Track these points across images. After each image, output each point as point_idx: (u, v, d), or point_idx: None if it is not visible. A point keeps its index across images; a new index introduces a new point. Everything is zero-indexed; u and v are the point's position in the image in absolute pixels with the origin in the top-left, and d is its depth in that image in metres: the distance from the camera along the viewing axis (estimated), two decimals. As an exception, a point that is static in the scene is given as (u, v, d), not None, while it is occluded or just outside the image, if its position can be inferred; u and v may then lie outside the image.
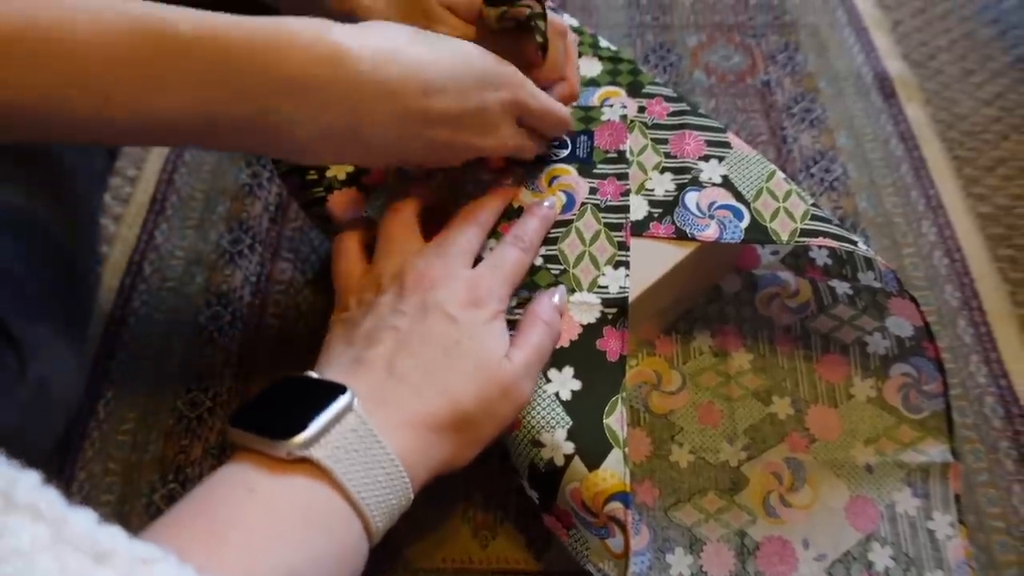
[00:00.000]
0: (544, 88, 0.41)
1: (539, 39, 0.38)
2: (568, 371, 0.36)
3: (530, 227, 0.39)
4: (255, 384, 0.49)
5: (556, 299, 0.37)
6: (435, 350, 0.32)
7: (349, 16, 0.41)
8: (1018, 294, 0.52)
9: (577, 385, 0.36)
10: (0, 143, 0.30)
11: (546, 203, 0.41)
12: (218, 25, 0.29)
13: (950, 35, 0.68)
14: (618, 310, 0.38)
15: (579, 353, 0.37)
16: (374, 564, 0.43)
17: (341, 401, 0.28)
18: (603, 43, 0.49)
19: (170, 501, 0.45)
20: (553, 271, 0.39)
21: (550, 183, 0.42)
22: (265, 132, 0.30)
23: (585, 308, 0.38)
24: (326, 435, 0.27)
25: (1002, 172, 0.58)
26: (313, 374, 0.32)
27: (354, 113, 0.31)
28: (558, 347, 0.37)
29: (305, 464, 0.27)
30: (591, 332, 0.37)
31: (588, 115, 0.45)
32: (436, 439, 0.31)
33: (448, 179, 0.42)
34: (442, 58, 0.33)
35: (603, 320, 0.38)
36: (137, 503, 0.45)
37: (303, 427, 0.27)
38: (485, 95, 0.34)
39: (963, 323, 0.50)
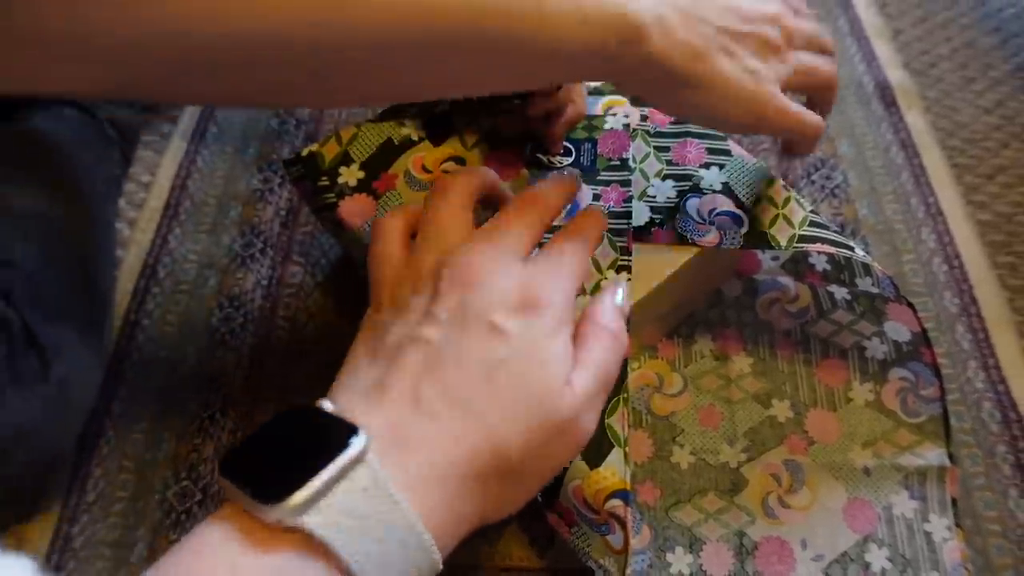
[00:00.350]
0: (554, 111, 0.43)
1: None
2: None
3: (589, 222, 0.33)
4: (265, 384, 0.51)
5: (619, 299, 0.31)
6: (474, 372, 0.26)
7: None
8: (1017, 300, 0.52)
9: None
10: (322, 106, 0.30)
11: (605, 207, 0.41)
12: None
13: (951, 44, 0.69)
14: None
15: None
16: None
17: (350, 450, 0.23)
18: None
19: (182, 498, 0.46)
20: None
21: (554, 190, 0.43)
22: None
23: None
24: (328, 495, 0.22)
25: (1002, 180, 0.59)
26: (326, 404, 0.26)
27: None
28: None
29: (300, 534, 0.22)
30: None
31: (592, 124, 0.46)
32: (471, 490, 0.25)
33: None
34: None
35: None
36: (151, 500, 0.46)
37: (300, 483, 0.22)
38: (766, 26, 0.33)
39: (962, 329, 0.51)
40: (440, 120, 0.46)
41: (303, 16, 0.24)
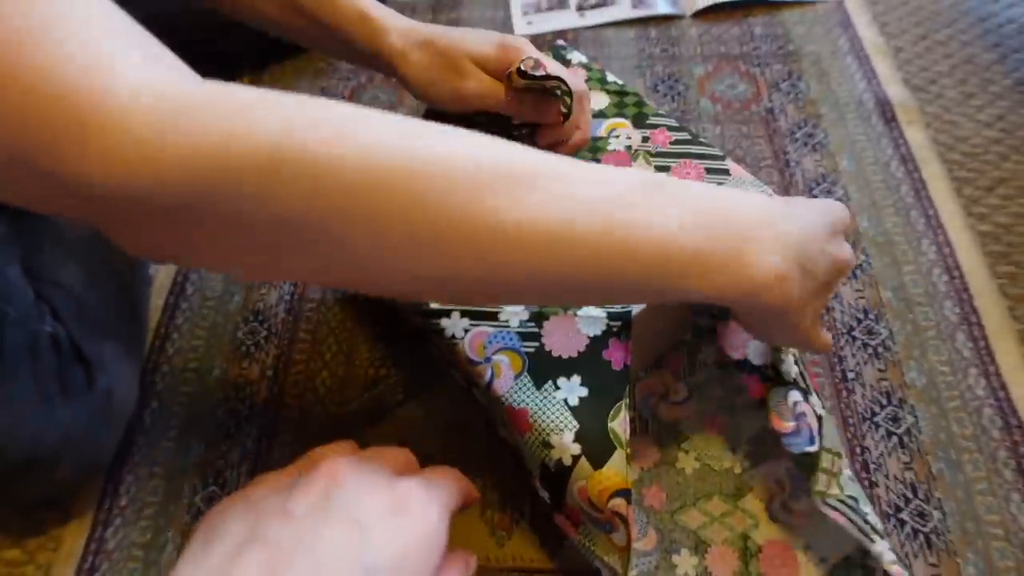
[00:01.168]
0: (562, 140, 0.46)
1: (564, 110, 0.43)
2: (576, 379, 0.39)
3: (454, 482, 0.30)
4: (288, 393, 0.53)
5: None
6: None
7: (379, 59, 0.45)
8: (1017, 309, 0.53)
9: (584, 392, 0.39)
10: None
11: None
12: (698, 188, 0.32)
13: (951, 60, 0.71)
14: (622, 324, 0.41)
15: (586, 362, 0.40)
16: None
17: None
18: (610, 78, 0.53)
19: (210, 503, 0.49)
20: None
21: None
22: (737, 263, 0.31)
23: (592, 321, 0.41)
24: None
25: (1002, 192, 0.60)
26: None
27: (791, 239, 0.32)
28: (567, 357, 0.40)
29: None
30: (597, 343, 0.40)
31: (596, 145, 0.48)
32: None
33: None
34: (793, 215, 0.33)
35: (608, 332, 0.41)
36: (180, 504, 0.49)
37: None
38: (835, 246, 0.34)
39: (962, 337, 0.52)
40: None
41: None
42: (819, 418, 0.43)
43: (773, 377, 0.44)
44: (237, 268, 0.28)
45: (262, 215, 0.24)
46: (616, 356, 0.40)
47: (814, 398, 0.44)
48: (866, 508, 0.40)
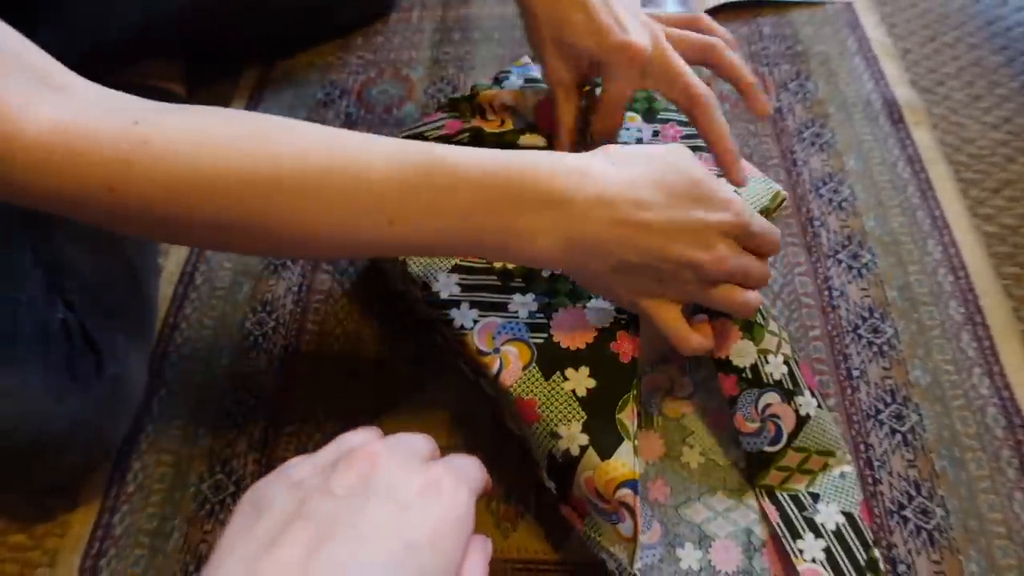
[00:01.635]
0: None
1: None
2: (584, 370, 0.39)
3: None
4: (296, 384, 0.53)
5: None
6: (376, 549, 0.23)
7: None
8: (1022, 310, 0.54)
9: (592, 383, 0.39)
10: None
11: None
12: (482, 159, 0.32)
13: (959, 62, 0.71)
14: (630, 317, 0.41)
15: (594, 354, 0.40)
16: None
17: None
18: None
19: (216, 491, 0.49)
20: (570, 280, 0.43)
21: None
22: (515, 245, 0.33)
23: (601, 314, 0.41)
24: None
25: (1008, 193, 0.61)
26: None
27: (578, 224, 0.33)
28: (575, 348, 0.40)
29: None
30: (605, 336, 0.40)
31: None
32: None
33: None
34: (657, 176, 0.34)
35: (616, 325, 0.41)
36: (186, 492, 0.49)
37: None
38: (699, 212, 0.34)
39: (967, 337, 0.52)
40: (460, 143, 0.49)
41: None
42: (804, 418, 0.44)
43: (750, 379, 0.44)
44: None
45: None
46: (624, 349, 0.40)
47: (804, 398, 0.44)
48: (824, 506, 0.42)
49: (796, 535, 0.41)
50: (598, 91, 0.45)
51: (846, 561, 0.40)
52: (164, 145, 0.30)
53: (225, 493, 0.49)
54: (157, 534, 0.48)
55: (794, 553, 0.40)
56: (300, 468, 0.26)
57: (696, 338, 0.37)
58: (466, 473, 0.27)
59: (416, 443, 0.29)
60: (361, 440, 0.28)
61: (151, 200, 0.30)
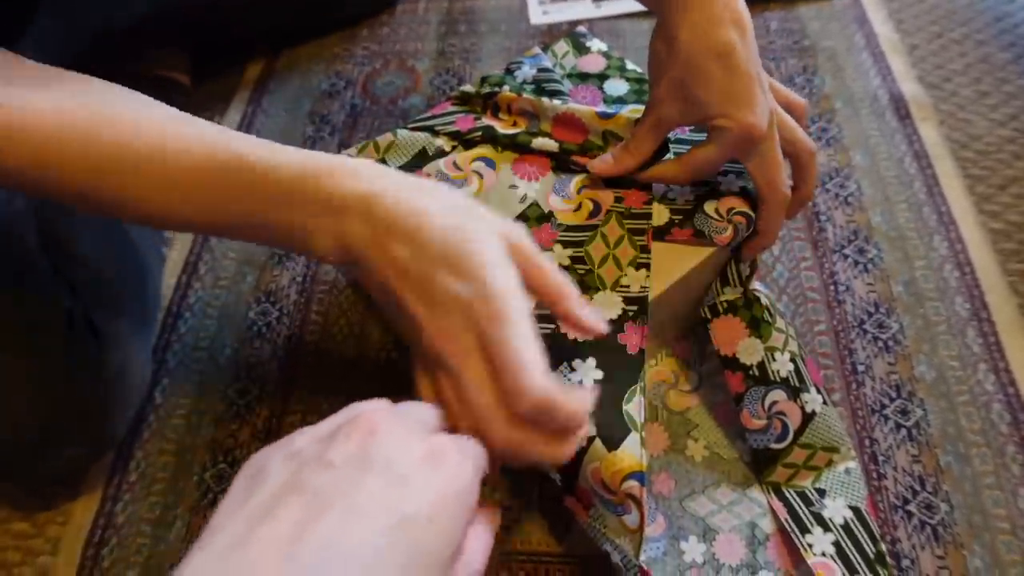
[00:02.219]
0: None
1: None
2: (591, 361, 0.39)
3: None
4: (299, 374, 0.53)
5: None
6: (370, 526, 0.22)
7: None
8: (1028, 307, 0.53)
9: (599, 374, 0.39)
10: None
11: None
12: (280, 159, 0.32)
13: (966, 59, 0.71)
14: (638, 308, 0.41)
15: (602, 346, 0.40)
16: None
17: None
18: (630, 65, 0.53)
19: (219, 480, 0.49)
20: (579, 270, 0.43)
21: (579, 191, 0.46)
22: (298, 242, 0.33)
23: (608, 305, 0.41)
24: None
25: (1015, 190, 0.60)
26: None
27: (342, 240, 0.31)
28: (582, 339, 0.40)
29: None
30: (613, 327, 0.40)
31: (614, 130, 0.48)
32: None
33: (484, 187, 0.46)
34: (432, 209, 0.30)
35: (624, 316, 0.41)
36: (189, 481, 0.49)
37: None
38: (446, 277, 0.29)
39: (972, 333, 0.52)
40: (472, 141, 0.49)
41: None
42: (810, 414, 0.44)
43: (757, 376, 0.44)
44: None
45: None
46: (632, 340, 0.40)
47: (810, 395, 0.44)
48: (831, 501, 0.42)
49: (804, 530, 0.41)
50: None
51: (855, 554, 0.40)
52: (15, 121, 0.31)
53: (228, 483, 0.48)
54: (159, 523, 0.47)
55: (803, 547, 0.40)
56: (300, 437, 0.25)
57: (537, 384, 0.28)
58: (471, 447, 0.26)
59: (423, 413, 0.27)
60: (369, 408, 0.26)
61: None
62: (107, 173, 0.33)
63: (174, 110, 0.35)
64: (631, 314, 0.41)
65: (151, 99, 0.35)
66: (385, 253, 0.30)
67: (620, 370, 0.39)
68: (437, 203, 0.31)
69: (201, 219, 0.34)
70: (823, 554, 0.40)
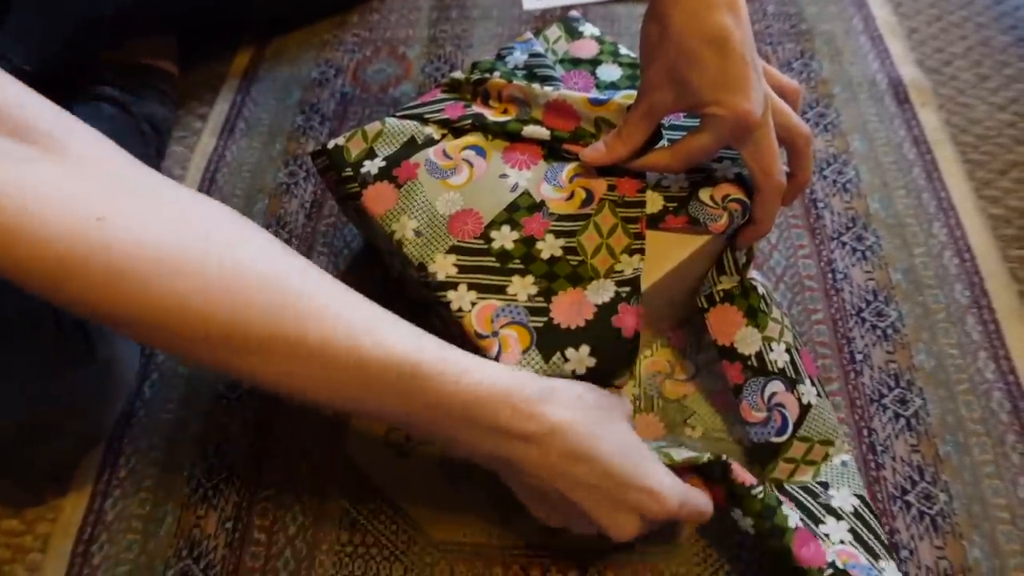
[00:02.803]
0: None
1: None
2: (584, 349, 0.38)
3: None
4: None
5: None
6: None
7: None
8: (1028, 293, 0.53)
9: (592, 362, 0.38)
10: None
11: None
12: (461, 383, 0.33)
13: (966, 42, 0.69)
14: (631, 288, 0.40)
15: (595, 331, 0.39)
16: (395, 535, 0.46)
17: None
18: (623, 51, 0.52)
19: (209, 475, 0.48)
20: (572, 262, 0.42)
21: (571, 179, 0.45)
22: (448, 441, 0.35)
23: (601, 290, 0.40)
24: None
25: (1015, 175, 0.60)
26: None
27: (506, 455, 0.34)
28: (575, 327, 0.39)
29: None
30: (606, 310, 0.39)
31: (607, 117, 0.47)
32: None
33: (474, 177, 0.45)
34: (604, 444, 0.34)
35: (617, 298, 0.40)
36: (179, 477, 0.48)
37: None
38: (621, 492, 0.34)
39: (972, 320, 0.52)
40: (462, 129, 0.48)
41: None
42: (806, 406, 0.43)
43: (755, 367, 0.44)
44: None
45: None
46: (627, 322, 0.39)
47: (805, 386, 0.44)
48: (836, 491, 0.41)
49: (818, 521, 0.40)
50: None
51: (872, 538, 0.40)
52: (128, 260, 0.29)
53: (218, 478, 0.48)
54: (150, 519, 0.47)
55: (821, 538, 0.39)
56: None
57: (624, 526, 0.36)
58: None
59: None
60: None
61: (103, 314, 0.30)
62: (250, 352, 0.31)
63: (328, 277, 0.34)
64: (624, 295, 0.40)
65: (289, 251, 0.34)
66: (555, 471, 0.34)
67: (614, 355, 0.38)
68: (607, 432, 0.35)
69: (352, 408, 0.34)
70: (842, 542, 0.39)
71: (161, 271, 0.30)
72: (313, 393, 0.33)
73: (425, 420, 0.33)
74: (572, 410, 0.34)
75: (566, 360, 0.38)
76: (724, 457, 0.38)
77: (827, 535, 0.40)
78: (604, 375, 0.38)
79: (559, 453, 0.33)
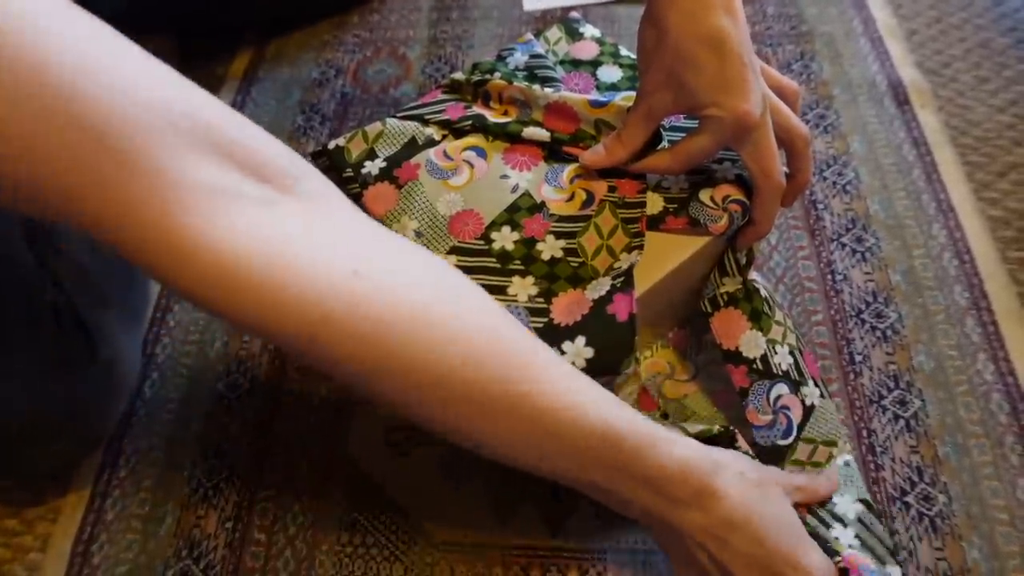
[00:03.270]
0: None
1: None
2: (580, 340, 0.38)
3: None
4: (290, 368, 0.53)
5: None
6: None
7: None
8: (1027, 295, 0.53)
9: (589, 352, 0.38)
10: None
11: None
12: (656, 455, 0.34)
13: (965, 44, 0.70)
14: (625, 278, 0.40)
15: (590, 323, 0.39)
16: (396, 535, 0.46)
17: None
18: (623, 51, 0.52)
19: (210, 475, 0.48)
20: (572, 263, 0.42)
21: (571, 181, 0.45)
22: (617, 503, 0.36)
23: (598, 288, 0.40)
24: None
25: (1014, 177, 0.60)
26: None
27: (672, 520, 0.35)
28: (572, 323, 0.39)
29: None
30: (601, 302, 0.39)
31: (608, 118, 0.48)
32: None
33: (475, 177, 0.45)
34: (763, 517, 0.35)
35: (612, 290, 0.40)
36: (179, 477, 0.48)
37: None
38: (776, 565, 0.35)
39: (971, 322, 0.52)
40: (462, 131, 0.48)
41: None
42: (809, 408, 0.43)
43: (760, 370, 0.44)
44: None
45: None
46: (620, 308, 0.39)
47: (809, 388, 0.44)
48: (839, 497, 0.42)
49: (827, 526, 0.40)
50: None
51: (876, 543, 0.40)
52: (384, 316, 0.29)
53: (219, 478, 0.48)
54: (149, 519, 0.47)
55: (831, 541, 0.39)
56: None
57: None
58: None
59: None
60: None
61: (350, 368, 0.30)
62: (483, 417, 0.32)
63: (555, 356, 0.35)
64: (618, 285, 0.40)
65: (518, 323, 0.34)
66: (714, 535, 0.35)
67: (611, 344, 0.38)
68: (767, 506, 0.36)
69: (540, 468, 0.34)
70: (850, 547, 0.39)
71: (417, 328, 0.30)
72: (520, 452, 0.34)
73: (603, 481, 0.34)
74: (738, 482, 0.35)
75: (563, 354, 0.38)
76: (731, 428, 0.40)
77: (837, 538, 0.40)
78: (605, 366, 0.38)
79: (720, 520, 0.34)
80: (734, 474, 0.35)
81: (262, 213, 0.28)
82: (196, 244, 0.27)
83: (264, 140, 0.31)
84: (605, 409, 0.33)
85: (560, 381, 0.33)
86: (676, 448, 0.34)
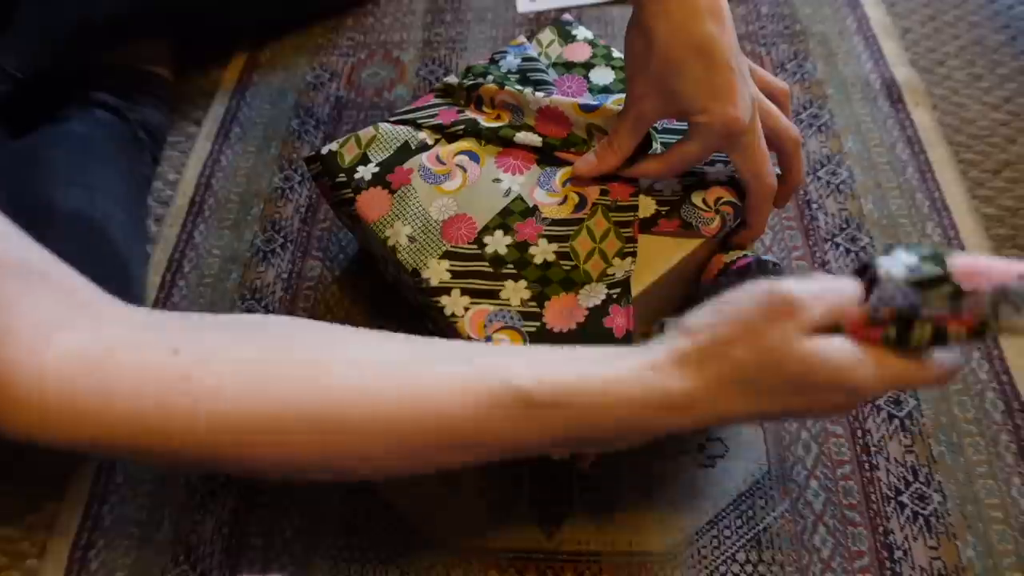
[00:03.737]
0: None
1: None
2: None
3: None
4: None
5: None
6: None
7: None
8: (1021, 293, 0.53)
9: None
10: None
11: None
12: (566, 389, 0.30)
13: (959, 41, 0.70)
14: (622, 289, 0.40)
15: (586, 333, 0.39)
16: (393, 540, 0.46)
17: None
18: (616, 53, 0.52)
19: (207, 480, 0.48)
20: (565, 266, 0.42)
21: (564, 184, 0.45)
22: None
23: (592, 295, 0.40)
24: None
25: (1008, 175, 0.60)
26: None
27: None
28: (567, 330, 0.39)
29: None
30: (597, 313, 0.40)
31: (600, 120, 0.48)
32: None
33: (468, 182, 0.45)
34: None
35: (608, 300, 0.40)
36: (176, 481, 0.48)
37: None
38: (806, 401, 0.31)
39: (966, 321, 0.52)
40: (455, 135, 0.48)
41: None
42: None
43: None
44: None
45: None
46: (618, 323, 0.39)
47: None
48: None
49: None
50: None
51: None
52: (209, 382, 0.29)
53: (215, 483, 0.48)
54: (147, 524, 0.47)
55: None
56: None
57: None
58: None
59: None
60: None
61: (196, 444, 0.29)
62: (350, 435, 0.30)
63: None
64: (615, 296, 0.40)
65: (328, 332, 0.33)
66: (726, 419, 0.31)
67: None
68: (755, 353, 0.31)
69: (480, 460, 0.32)
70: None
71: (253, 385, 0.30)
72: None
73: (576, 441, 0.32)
74: (713, 361, 0.30)
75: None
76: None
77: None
78: None
79: (716, 411, 0.30)
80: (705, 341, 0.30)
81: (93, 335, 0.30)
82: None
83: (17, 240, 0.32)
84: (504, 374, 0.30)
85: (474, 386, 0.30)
86: (619, 385, 0.30)
